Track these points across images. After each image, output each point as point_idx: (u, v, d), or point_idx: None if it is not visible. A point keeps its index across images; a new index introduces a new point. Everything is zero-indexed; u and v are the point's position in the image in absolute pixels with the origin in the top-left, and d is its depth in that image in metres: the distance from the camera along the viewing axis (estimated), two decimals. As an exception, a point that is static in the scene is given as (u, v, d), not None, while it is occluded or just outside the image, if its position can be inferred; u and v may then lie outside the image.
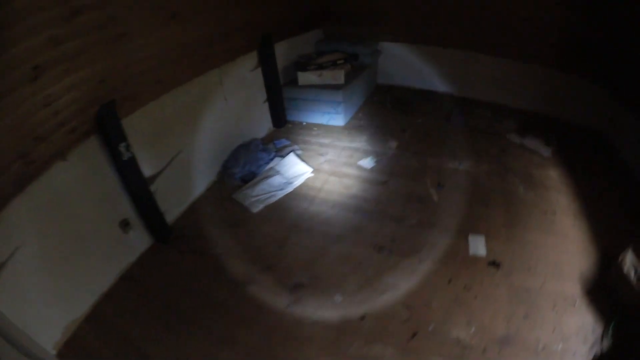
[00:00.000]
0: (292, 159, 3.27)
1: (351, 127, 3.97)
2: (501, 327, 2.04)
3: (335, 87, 3.74)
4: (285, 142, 3.61)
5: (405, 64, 4.58)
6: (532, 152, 3.50)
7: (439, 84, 4.64)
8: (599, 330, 2.10)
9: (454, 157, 3.39)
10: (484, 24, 4.00)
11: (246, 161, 3.15)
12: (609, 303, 2.22)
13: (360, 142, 3.69)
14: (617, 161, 3.60)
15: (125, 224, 2.29)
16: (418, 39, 4.41)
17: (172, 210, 2.70)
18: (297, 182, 3.09)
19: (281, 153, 3.38)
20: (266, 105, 3.70)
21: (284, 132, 3.87)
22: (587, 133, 4.05)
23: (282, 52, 3.76)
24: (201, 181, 3.02)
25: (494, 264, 2.38)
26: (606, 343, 2.05)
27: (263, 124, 3.80)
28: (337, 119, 3.90)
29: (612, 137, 3.82)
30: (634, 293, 2.15)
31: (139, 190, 2.27)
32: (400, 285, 2.28)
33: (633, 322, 2.14)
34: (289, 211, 2.84)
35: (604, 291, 2.30)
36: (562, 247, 2.55)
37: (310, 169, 3.22)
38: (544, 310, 2.15)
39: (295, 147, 3.59)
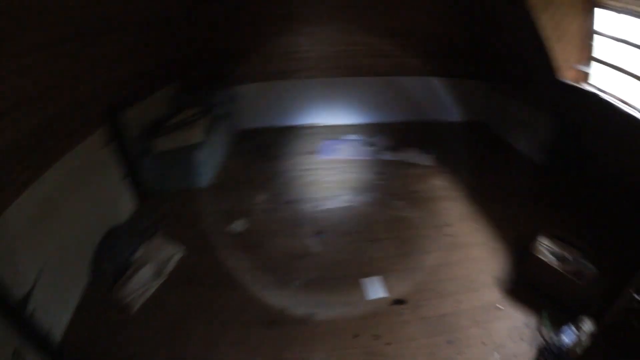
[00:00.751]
0: (159, 240, 2.77)
1: (218, 187, 3.48)
2: (426, 364, 1.82)
3: (194, 147, 3.36)
4: (150, 218, 3.07)
5: (266, 103, 4.32)
6: (412, 165, 3.49)
7: (304, 117, 4.46)
8: (533, 322, 2.10)
9: (330, 196, 3.11)
10: (347, 48, 4.01)
11: (114, 252, 2.58)
12: (534, 293, 2.23)
13: (227, 203, 3.20)
14: (506, 149, 3.88)
15: (17, 356, 1.85)
16: (275, 76, 4.20)
17: (58, 324, 2.17)
18: (169, 267, 2.60)
19: (149, 234, 2.85)
20: (127, 181, 3.17)
21: (149, 207, 3.27)
22: (472, 128, 4.31)
23: (137, 117, 3.29)
24: (76, 286, 2.42)
25: (399, 301, 2.20)
26: (546, 331, 2.07)
27: (126, 204, 3.23)
28: (202, 181, 3.48)
29: (496, 127, 4.19)
30: (558, 274, 2.16)
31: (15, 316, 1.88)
32: (303, 358, 1.92)
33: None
34: (163, 305, 2.27)
35: (525, 283, 2.30)
36: (468, 258, 2.52)
37: (181, 248, 2.74)
38: (467, 329, 2.06)
39: (162, 224, 3.06)
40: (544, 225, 2.63)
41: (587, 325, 1.97)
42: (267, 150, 3.96)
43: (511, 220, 2.85)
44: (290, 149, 3.95)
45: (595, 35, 2.90)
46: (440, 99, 4.28)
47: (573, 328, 1.99)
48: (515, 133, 3.90)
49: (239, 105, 4.27)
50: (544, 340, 2.06)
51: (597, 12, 2.77)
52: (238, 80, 4.14)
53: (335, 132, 4.25)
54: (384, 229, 2.78)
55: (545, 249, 2.40)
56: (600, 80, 2.93)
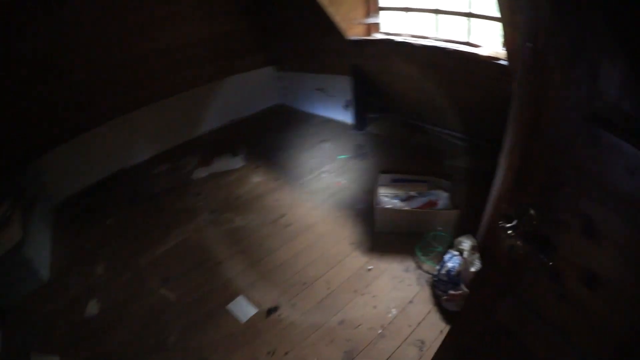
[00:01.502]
0: None
1: (59, 274, 2.56)
2: (335, 352, 1.76)
3: (17, 248, 2.42)
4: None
5: (75, 163, 3.33)
6: (227, 173, 3.22)
7: (118, 162, 3.56)
8: (411, 264, 2.16)
9: (161, 238, 2.59)
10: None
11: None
12: (398, 239, 2.29)
13: (74, 288, 2.42)
14: (310, 119, 4.04)
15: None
16: (73, 132, 3.25)
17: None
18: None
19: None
20: None
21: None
22: (274, 113, 4.32)
23: None
24: None
25: (272, 310, 2.01)
26: (428, 265, 2.12)
27: None
28: (40, 277, 2.54)
29: (298, 104, 4.33)
30: (411, 213, 2.26)
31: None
32: None
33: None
34: None
35: (385, 233, 2.34)
36: (317, 238, 2.46)
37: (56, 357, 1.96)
38: (351, 301, 1.99)
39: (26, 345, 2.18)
40: (373, 175, 2.76)
41: (467, 243, 2.01)
42: (92, 211, 3.14)
43: (339, 185, 2.94)
44: (114, 201, 3.19)
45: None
46: (239, 97, 4.18)
47: (453, 252, 2.01)
48: (317, 103, 4.13)
49: (50, 177, 3.26)
50: (430, 274, 2.05)
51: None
52: (37, 151, 3.16)
53: (149, 167, 3.56)
54: (224, 247, 2.49)
55: (387, 196, 2.42)
56: (393, 25, 3.14)
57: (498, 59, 2.37)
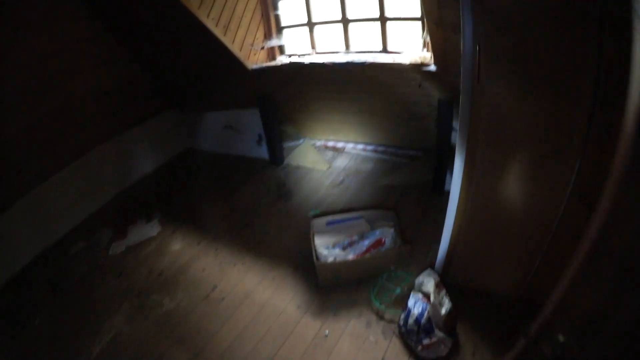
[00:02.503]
0: None
1: None
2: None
3: None
4: None
5: None
6: (143, 243, 2.70)
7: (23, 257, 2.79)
8: (371, 316, 1.94)
9: (90, 338, 2.02)
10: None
11: None
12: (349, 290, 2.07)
13: None
14: (223, 160, 3.65)
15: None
16: None
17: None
18: None
19: None
20: None
21: None
22: (182, 160, 3.84)
23: None
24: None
25: None
26: (390, 314, 1.83)
27: None
28: None
29: (206, 145, 3.91)
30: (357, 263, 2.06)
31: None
32: None
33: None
34: None
35: (331, 289, 2.09)
36: (259, 308, 2.10)
37: None
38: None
39: None
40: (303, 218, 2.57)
41: (429, 281, 1.82)
42: (12, 313, 2.39)
43: (268, 237, 2.62)
44: (36, 297, 2.49)
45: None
46: (144, 149, 3.61)
47: (416, 295, 1.81)
48: (229, 142, 3.76)
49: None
50: (395, 322, 1.83)
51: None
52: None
53: (65, 247, 2.89)
54: (159, 338, 2.01)
55: (326, 247, 2.17)
56: (298, 44, 2.95)
57: (424, 64, 2.23)
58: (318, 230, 2.30)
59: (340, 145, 3.42)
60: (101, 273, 2.54)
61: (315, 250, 2.13)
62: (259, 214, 2.85)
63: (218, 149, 3.86)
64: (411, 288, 1.90)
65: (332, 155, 3.41)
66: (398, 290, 1.95)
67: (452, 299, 1.75)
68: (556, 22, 1.17)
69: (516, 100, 1.36)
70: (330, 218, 2.39)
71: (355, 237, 2.20)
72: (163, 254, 2.62)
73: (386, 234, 2.16)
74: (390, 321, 1.85)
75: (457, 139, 1.57)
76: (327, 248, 2.15)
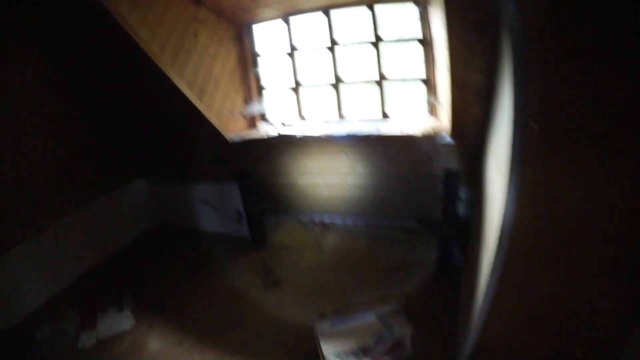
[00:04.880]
0: None
1: None
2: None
3: None
4: None
5: None
6: (115, 339, 2.24)
7: None
8: None
9: None
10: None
11: None
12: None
13: None
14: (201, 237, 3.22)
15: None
16: None
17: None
18: None
19: None
20: None
21: None
22: (160, 235, 3.36)
23: None
24: None
25: None
26: None
27: None
28: None
29: (183, 220, 3.42)
30: None
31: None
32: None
33: None
34: None
35: None
36: None
37: None
38: None
39: None
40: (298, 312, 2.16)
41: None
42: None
43: (260, 342, 2.14)
44: None
45: (259, 58, 2.56)
46: (110, 224, 3.17)
47: None
48: (205, 217, 3.29)
49: None
50: None
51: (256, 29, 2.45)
52: None
53: (30, 328, 2.48)
54: None
55: (337, 357, 1.77)
56: (281, 109, 2.63)
57: (437, 135, 1.91)
58: (324, 335, 1.90)
59: (327, 219, 2.97)
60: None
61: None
62: (245, 307, 2.38)
63: (194, 225, 3.34)
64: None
65: (319, 232, 2.93)
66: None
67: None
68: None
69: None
70: (336, 319, 1.97)
71: (369, 341, 1.79)
72: (140, 354, 2.19)
73: (404, 333, 1.76)
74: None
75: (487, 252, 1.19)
76: (339, 357, 1.76)
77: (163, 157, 2.95)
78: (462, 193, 2.00)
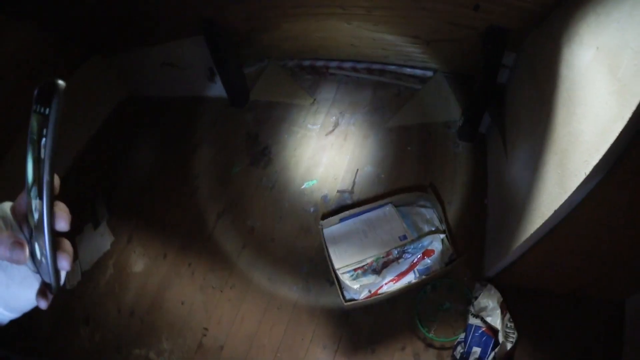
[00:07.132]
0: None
1: None
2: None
3: None
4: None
5: None
6: (98, 266, 1.97)
7: None
8: (416, 343, 1.40)
9: None
10: None
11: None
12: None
13: None
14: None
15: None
16: None
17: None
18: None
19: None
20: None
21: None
22: (127, 112, 2.73)
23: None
24: None
25: None
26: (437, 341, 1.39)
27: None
28: None
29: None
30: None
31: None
32: None
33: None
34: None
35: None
36: (271, 349, 1.60)
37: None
38: None
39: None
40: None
41: (489, 302, 1.40)
42: None
43: (253, 236, 1.98)
44: None
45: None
46: (70, 111, 2.30)
47: (475, 320, 1.41)
48: (174, 82, 2.74)
49: None
50: (450, 348, 1.46)
51: None
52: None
53: None
54: None
55: (347, 269, 1.61)
56: None
57: None
58: (331, 237, 1.67)
59: (320, 64, 2.46)
60: (68, 317, 1.89)
61: (338, 281, 1.55)
62: (231, 192, 2.10)
63: (161, 93, 2.82)
64: (462, 301, 1.51)
65: (311, 80, 2.49)
66: (447, 305, 1.53)
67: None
68: None
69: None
70: (345, 214, 1.72)
71: (393, 253, 1.59)
72: (126, 281, 1.95)
73: (435, 238, 1.57)
74: (441, 348, 1.48)
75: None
76: (352, 276, 1.58)
77: (116, 20, 2.25)
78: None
